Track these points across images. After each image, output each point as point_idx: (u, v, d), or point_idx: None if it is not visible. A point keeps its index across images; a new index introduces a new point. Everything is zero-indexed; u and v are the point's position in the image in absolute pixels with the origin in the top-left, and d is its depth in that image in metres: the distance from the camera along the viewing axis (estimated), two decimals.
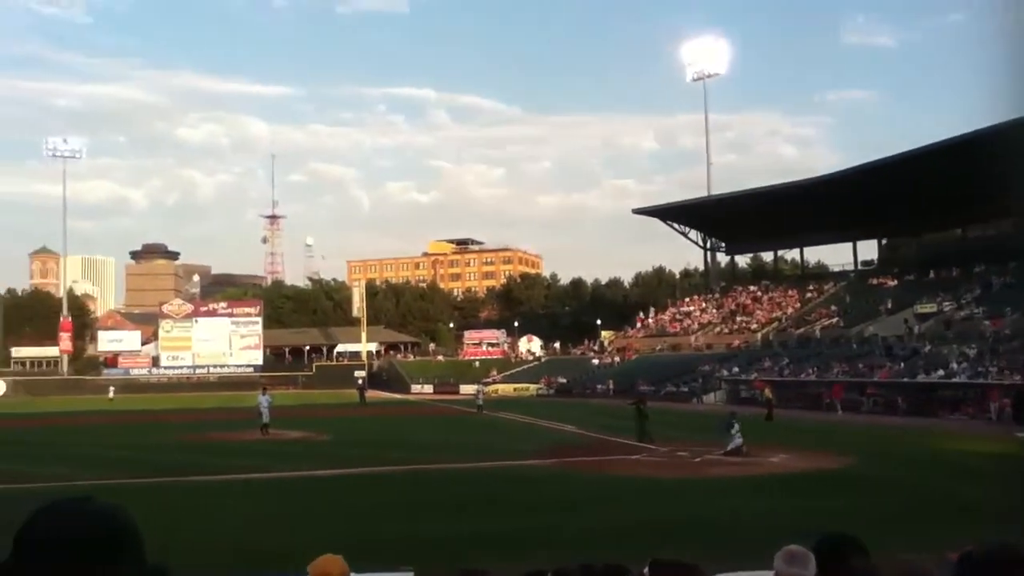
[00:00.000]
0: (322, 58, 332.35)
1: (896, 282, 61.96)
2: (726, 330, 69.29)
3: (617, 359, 72.66)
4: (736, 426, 24.52)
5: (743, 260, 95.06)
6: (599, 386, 63.34)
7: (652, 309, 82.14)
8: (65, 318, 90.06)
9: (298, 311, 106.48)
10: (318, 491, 19.52)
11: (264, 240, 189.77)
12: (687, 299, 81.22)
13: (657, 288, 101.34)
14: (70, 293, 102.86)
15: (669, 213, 79.83)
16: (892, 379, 43.06)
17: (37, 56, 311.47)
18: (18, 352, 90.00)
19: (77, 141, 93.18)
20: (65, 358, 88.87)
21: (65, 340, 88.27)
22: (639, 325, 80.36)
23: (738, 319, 70.34)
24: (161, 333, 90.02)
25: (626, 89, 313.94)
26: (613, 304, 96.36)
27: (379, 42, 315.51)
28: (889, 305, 56.33)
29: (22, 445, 30.72)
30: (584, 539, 12.56)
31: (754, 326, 66.98)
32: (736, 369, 56.11)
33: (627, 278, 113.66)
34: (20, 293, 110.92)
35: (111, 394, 68.15)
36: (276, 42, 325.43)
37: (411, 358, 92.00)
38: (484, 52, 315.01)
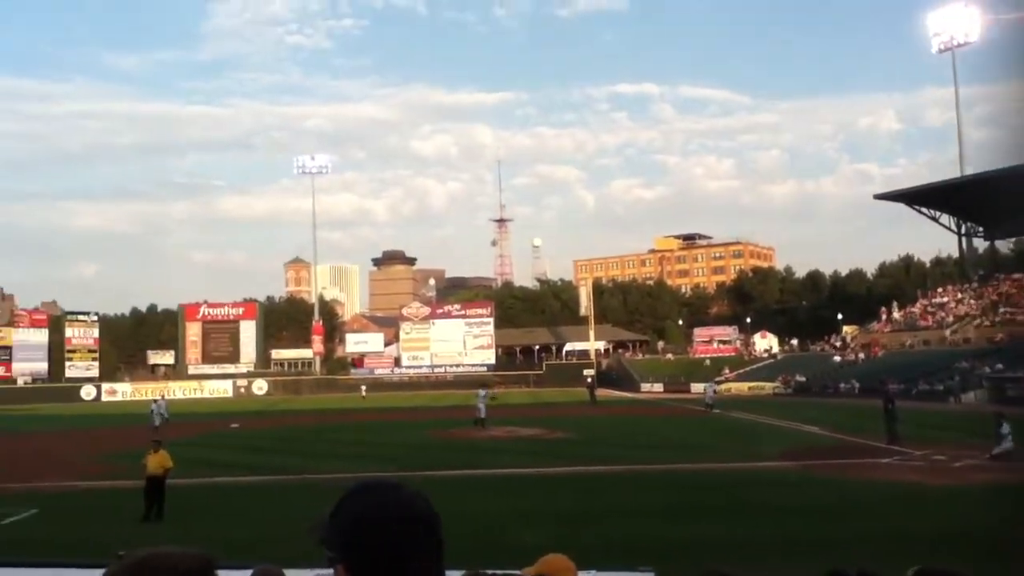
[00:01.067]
0: (544, 62, 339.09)
1: None
2: (987, 322, 63.05)
3: (861, 356, 68.21)
4: (1006, 427, 22.06)
5: (1005, 246, 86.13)
6: (842, 384, 59.73)
7: (899, 301, 76.37)
8: (317, 322, 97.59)
9: (527, 311, 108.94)
10: (554, 488, 19.67)
11: (493, 243, 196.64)
12: (940, 289, 74.83)
13: (904, 278, 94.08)
14: (320, 299, 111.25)
15: (916, 197, 73.88)
16: None
17: (288, 83, 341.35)
18: (277, 354, 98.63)
19: (323, 158, 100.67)
20: (318, 359, 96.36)
21: (317, 343, 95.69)
22: (884, 319, 75.00)
23: (1001, 310, 63.79)
24: (402, 335, 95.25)
25: (863, 67, 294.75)
26: (855, 297, 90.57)
27: (600, 41, 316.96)
28: None
29: (294, 442, 33.41)
30: (830, 547, 11.69)
31: (1021, 318, 60.40)
32: (1000, 366, 50.81)
33: (870, 269, 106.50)
34: (277, 300, 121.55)
35: (363, 392, 73.11)
36: (499, 50, 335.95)
37: (640, 356, 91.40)
38: (707, 41, 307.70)
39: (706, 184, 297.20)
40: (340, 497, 1.65)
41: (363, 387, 76.07)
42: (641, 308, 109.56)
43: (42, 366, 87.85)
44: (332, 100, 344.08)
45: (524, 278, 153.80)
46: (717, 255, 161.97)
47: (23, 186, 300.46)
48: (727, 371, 74.25)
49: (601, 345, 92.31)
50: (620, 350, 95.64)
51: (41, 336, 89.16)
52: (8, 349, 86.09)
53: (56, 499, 20.08)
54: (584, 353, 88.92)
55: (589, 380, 66.49)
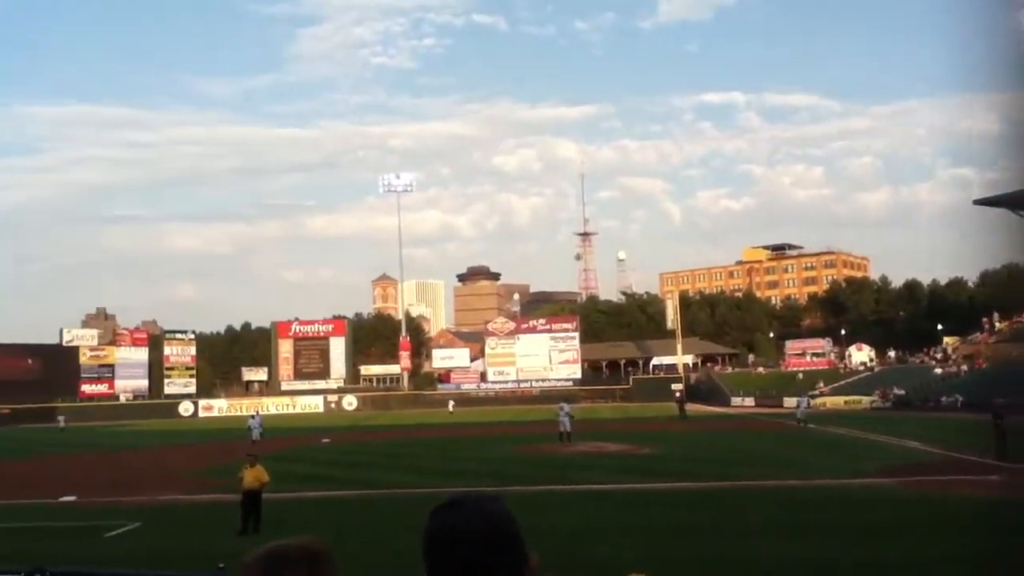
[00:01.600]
0: (627, 74, 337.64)
1: None
2: None
3: (964, 368, 65.39)
4: None
5: None
6: (944, 398, 57.32)
7: (1002, 311, 73.00)
8: (404, 338, 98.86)
9: (613, 325, 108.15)
10: (641, 504, 19.34)
11: (577, 257, 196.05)
12: None
13: (1007, 287, 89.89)
14: (407, 315, 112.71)
15: (1020, 202, 70.56)
16: None
17: (374, 103, 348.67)
18: (366, 370, 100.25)
19: (408, 176, 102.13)
20: (405, 375, 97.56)
21: (405, 358, 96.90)
22: (987, 329, 71.82)
23: None
24: (487, 350, 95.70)
25: (960, 67, 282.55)
26: (955, 307, 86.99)
27: (683, 51, 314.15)
28: None
29: (384, 456, 33.84)
30: (926, 569, 11.12)
31: None
32: None
33: (971, 277, 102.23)
34: (365, 316, 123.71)
35: (451, 407, 73.61)
36: (581, 64, 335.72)
37: (729, 370, 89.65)
38: (794, 47, 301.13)
39: (795, 193, 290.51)
40: (434, 507, 1.69)
41: (451, 402, 76.61)
42: (730, 321, 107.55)
43: (143, 383, 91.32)
44: (416, 118, 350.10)
45: (609, 292, 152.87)
46: (808, 265, 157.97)
47: (127, 210, 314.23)
48: (821, 385, 72.15)
49: (689, 359, 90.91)
50: (709, 364, 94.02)
51: (142, 354, 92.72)
52: (111, 367, 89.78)
53: (158, 512, 20.73)
54: (671, 367, 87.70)
55: (678, 394, 65.51)
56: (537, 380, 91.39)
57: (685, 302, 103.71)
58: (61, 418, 67.79)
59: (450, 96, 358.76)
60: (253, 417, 43.09)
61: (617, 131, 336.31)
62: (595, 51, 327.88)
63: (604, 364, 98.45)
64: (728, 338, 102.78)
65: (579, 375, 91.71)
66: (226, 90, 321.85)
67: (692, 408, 59.86)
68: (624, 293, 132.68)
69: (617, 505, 19.45)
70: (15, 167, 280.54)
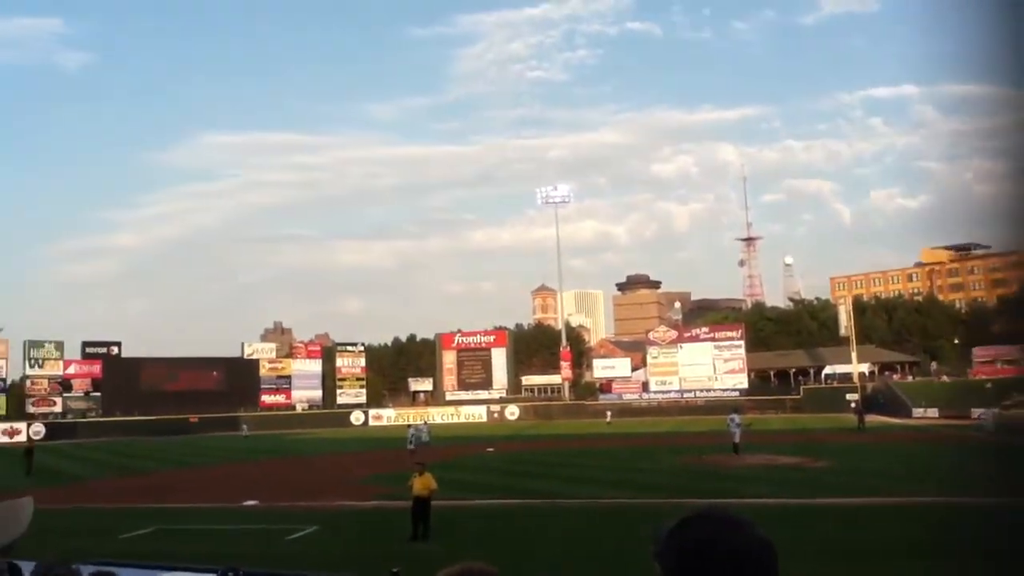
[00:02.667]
0: (788, 73, 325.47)
1: None
2: None
3: None
4: None
5: None
6: None
7: None
8: (564, 348, 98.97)
9: (781, 333, 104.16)
10: (814, 520, 18.26)
11: (741, 263, 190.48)
12: None
13: None
14: (567, 325, 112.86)
15: None
16: None
17: (529, 116, 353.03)
18: (528, 380, 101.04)
19: (565, 188, 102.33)
20: (566, 385, 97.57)
21: (565, 368, 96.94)
22: None
23: None
24: (649, 359, 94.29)
25: None
26: None
27: (849, 45, 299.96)
28: None
29: (547, 466, 33.85)
30: None
31: None
32: None
33: None
34: (526, 327, 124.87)
35: (608, 418, 72.99)
36: (739, 65, 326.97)
37: (910, 379, 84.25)
38: (972, 34, 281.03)
39: (978, 189, 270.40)
40: (681, 518, 1.60)
41: (608, 413, 75.90)
42: (909, 326, 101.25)
43: (317, 394, 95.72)
44: (572, 130, 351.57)
45: (776, 298, 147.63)
46: (997, 266, 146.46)
47: (298, 230, 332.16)
48: (1015, 395, 66.40)
49: (864, 367, 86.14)
50: (887, 372, 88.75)
51: (315, 366, 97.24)
52: (288, 378, 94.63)
53: (334, 517, 21.44)
54: (846, 376, 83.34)
55: (854, 405, 62.15)
56: (701, 390, 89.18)
57: (859, 307, 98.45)
58: (244, 426, 72.10)
59: (605, 106, 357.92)
60: (411, 426, 45.62)
61: (780, 132, 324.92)
62: (754, 51, 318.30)
63: (772, 373, 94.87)
64: (908, 345, 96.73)
65: (746, 385, 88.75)
66: (388, 112, 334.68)
67: (871, 420, 56.61)
68: (792, 299, 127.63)
69: (787, 520, 18.43)
70: (199, 192, 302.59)
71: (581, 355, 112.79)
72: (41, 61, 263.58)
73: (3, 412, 75.68)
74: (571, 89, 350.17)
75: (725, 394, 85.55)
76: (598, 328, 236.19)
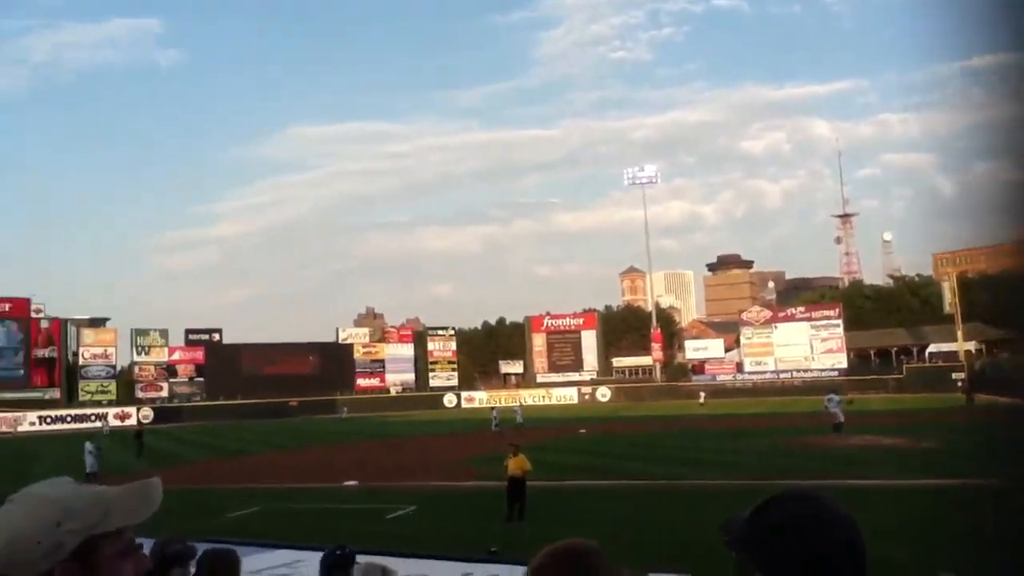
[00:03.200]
0: (883, 44, 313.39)
1: None
2: None
3: None
4: None
5: None
6: None
7: None
8: (655, 330, 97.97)
9: (880, 311, 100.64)
10: (917, 502, 17.58)
11: (837, 240, 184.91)
12: None
13: None
14: (657, 306, 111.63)
15: None
16: None
17: (613, 97, 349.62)
18: (618, 362, 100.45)
19: (652, 168, 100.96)
20: (657, 366, 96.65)
21: (656, 350, 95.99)
22: None
23: None
24: (742, 340, 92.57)
25: None
26: None
27: (948, 12, 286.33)
28: None
29: (640, 447, 33.67)
30: None
31: None
32: None
33: None
34: (615, 309, 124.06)
35: (701, 399, 71.96)
36: (831, 39, 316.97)
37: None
38: None
39: None
40: (761, 501, 1.57)
41: (702, 394, 74.80)
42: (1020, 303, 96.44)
43: (410, 377, 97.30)
44: (657, 109, 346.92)
45: (874, 276, 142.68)
46: None
47: (387, 217, 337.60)
48: None
49: (971, 345, 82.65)
50: (995, 350, 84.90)
51: (408, 350, 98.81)
52: (382, 362, 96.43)
53: (431, 496, 21.74)
54: (951, 355, 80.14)
55: (960, 384, 59.73)
56: (798, 370, 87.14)
57: (964, 284, 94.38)
58: (344, 409, 73.95)
59: (691, 84, 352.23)
60: (493, 410, 48.40)
61: (874, 106, 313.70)
62: (845, 24, 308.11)
63: (872, 352, 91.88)
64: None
65: (844, 364, 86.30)
66: (472, 98, 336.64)
67: (979, 399, 54.25)
68: (892, 276, 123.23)
69: (889, 502, 17.81)
70: (292, 183, 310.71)
71: (672, 336, 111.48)
72: (139, 60, 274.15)
73: (114, 397, 79.37)
74: (656, 68, 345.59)
75: (823, 374, 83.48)
76: (689, 309, 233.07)
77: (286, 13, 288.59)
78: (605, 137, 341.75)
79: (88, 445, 28.72)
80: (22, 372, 76.42)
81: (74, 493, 1.52)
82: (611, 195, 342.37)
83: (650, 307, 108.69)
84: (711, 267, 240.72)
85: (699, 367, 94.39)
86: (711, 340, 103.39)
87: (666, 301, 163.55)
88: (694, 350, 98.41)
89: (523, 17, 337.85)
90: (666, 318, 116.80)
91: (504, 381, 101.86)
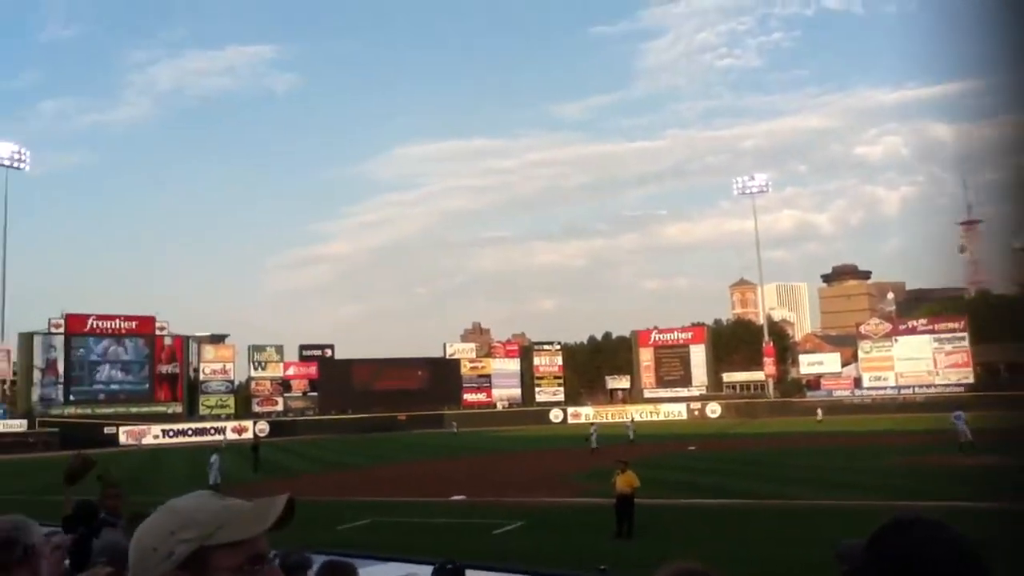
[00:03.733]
0: (1007, 43, 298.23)
1: None
2: None
3: None
4: None
5: None
6: None
7: None
8: (767, 344, 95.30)
9: (1010, 322, 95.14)
10: None
11: (961, 249, 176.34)
12: None
13: None
14: (769, 319, 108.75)
15: None
16: None
17: (721, 106, 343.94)
18: (728, 377, 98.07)
19: (762, 177, 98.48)
20: (770, 382, 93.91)
21: (768, 364, 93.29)
22: None
23: None
24: (860, 354, 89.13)
25: None
26: None
27: None
28: None
29: (753, 465, 32.75)
30: None
31: None
32: None
33: None
34: (724, 323, 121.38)
35: (819, 416, 69.48)
36: (950, 38, 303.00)
37: None
38: None
39: None
40: (878, 528, 1.50)
41: (819, 410, 72.22)
42: None
43: (516, 391, 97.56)
44: (766, 117, 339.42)
45: (1003, 286, 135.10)
46: None
47: (495, 232, 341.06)
48: None
49: None
50: None
51: (514, 365, 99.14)
52: (488, 377, 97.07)
53: (538, 512, 21.63)
54: None
55: None
56: (920, 386, 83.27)
57: None
58: (454, 424, 74.91)
59: (803, 90, 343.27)
60: (592, 427, 46.37)
61: (998, 106, 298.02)
62: (964, 23, 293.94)
63: (1002, 367, 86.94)
64: None
65: (971, 379, 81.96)
66: (576, 112, 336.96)
67: None
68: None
69: None
70: (401, 201, 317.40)
71: (785, 351, 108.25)
72: (255, 85, 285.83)
73: (232, 411, 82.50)
74: (765, 75, 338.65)
75: (947, 390, 79.52)
76: (803, 322, 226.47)
77: (392, 35, 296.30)
78: (712, 147, 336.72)
79: (212, 457, 29.94)
80: (147, 387, 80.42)
81: (198, 505, 1.56)
82: (720, 205, 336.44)
83: (762, 320, 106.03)
84: (826, 278, 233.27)
85: (814, 382, 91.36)
86: (827, 354, 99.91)
87: (778, 314, 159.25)
88: (809, 365, 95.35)
89: (628, 28, 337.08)
90: (779, 332, 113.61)
91: (610, 396, 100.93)
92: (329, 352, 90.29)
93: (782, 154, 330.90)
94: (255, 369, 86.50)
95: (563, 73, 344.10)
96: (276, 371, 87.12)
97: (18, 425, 69.70)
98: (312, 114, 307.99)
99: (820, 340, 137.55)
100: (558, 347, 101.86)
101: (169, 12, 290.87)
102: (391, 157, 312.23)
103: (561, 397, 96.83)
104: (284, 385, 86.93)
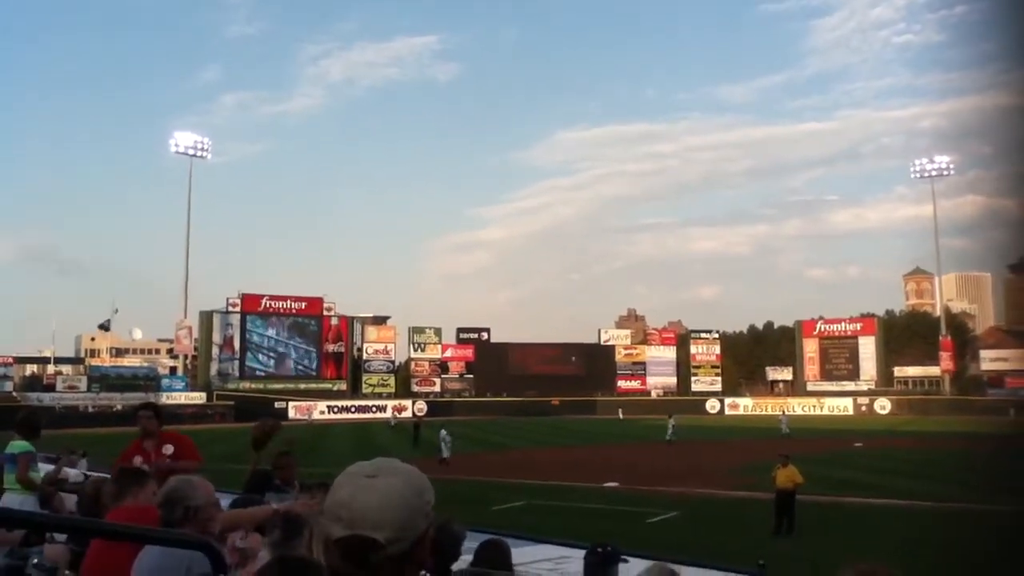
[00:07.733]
0: None
1: None
2: None
3: None
4: None
5: None
6: None
7: None
8: (944, 337, 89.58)
9: None
10: None
11: None
12: None
13: None
14: (946, 311, 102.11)
15: None
16: None
17: (897, 85, 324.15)
18: (901, 371, 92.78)
19: (942, 159, 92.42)
20: (947, 377, 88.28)
21: (945, 359, 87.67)
22: None
23: None
24: None
25: None
26: None
27: None
28: None
29: (924, 466, 31.06)
30: None
31: None
32: None
33: None
34: (898, 314, 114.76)
35: (1011, 415, 64.56)
36: None
37: None
38: None
39: None
40: None
41: (1011, 410, 66.64)
42: None
43: (671, 380, 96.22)
44: (947, 96, 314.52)
45: None
46: None
47: (651, 218, 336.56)
48: None
49: None
50: None
51: (670, 353, 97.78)
52: (643, 364, 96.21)
53: (694, 504, 21.28)
54: None
55: None
56: None
57: None
58: (620, 410, 75.04)
59: (990, 66, 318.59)
60: (670, 417, 46.86)
61: None
62: None
63: None
64: None
65: None
66: (740, 93, 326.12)
67: None
68: None
69: None
70: (558, 187, 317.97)
71: (965, 345, 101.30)
72: (420, 74, 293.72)
73: (393, 390, 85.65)
74: (946, 51, 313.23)
75: None
76: (986, 315, 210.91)
77: (550, 22, 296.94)
78: (888, 128, 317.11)
79: (442, 433, 31.82)
80: (315, 364, 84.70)
81: (419, 474, 1.69)
82: (895, 190, 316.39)
83: (938, 312, 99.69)
84: (1013, 268, 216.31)
85: (996, 379, 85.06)
86: (1012, 350, 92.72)
87: (958, 306, 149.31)
88: (991, 360, 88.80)
89: (797, 5, 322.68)
90: (958, 324, 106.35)
91: (771, 388, 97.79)
92: (485, 335, 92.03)
93: (965, 135, 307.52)
94: (415, 350, 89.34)
95: (728, 54, 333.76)
96: (435, 353, 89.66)
97: (198, 397, 75.28)
98: (473, 102, 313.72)
99: (1005, 334, 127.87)
100: (716, 336, 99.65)
101: (342, 6, 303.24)
102: (550, 143, 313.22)
103: (719, 387, 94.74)
104: (442, 367, 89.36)
